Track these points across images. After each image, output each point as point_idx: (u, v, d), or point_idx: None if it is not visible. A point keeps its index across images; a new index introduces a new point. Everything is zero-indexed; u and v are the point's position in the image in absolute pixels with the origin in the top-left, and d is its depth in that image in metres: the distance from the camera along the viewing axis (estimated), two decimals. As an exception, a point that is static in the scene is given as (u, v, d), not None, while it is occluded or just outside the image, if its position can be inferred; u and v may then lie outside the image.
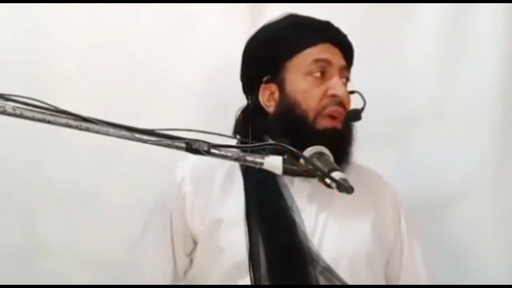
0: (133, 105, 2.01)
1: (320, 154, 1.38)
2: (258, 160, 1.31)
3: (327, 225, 1.55)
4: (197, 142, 1.25)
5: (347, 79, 1.63)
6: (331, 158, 1.39)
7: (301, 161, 1.32)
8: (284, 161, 1.30)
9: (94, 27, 2.05)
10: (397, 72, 2.11)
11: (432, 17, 2.14)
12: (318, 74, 1.57)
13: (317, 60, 1.57)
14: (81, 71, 2.03)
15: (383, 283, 1.63)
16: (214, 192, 1.57)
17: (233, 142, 1.56)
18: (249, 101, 1.65)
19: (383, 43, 2.11)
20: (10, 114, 1.15)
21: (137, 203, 1.98)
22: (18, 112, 1.15)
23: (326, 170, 1.32)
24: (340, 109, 1.56)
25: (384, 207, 1.66)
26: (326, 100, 1.55)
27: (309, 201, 1.56)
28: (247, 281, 1.48)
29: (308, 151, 1.38)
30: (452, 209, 2.09)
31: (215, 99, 2.05)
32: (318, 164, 1.34)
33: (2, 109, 1.14)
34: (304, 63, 1.57)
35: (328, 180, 1.31)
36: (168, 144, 1.24)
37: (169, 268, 1.60)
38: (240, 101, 1.86)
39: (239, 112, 1.69)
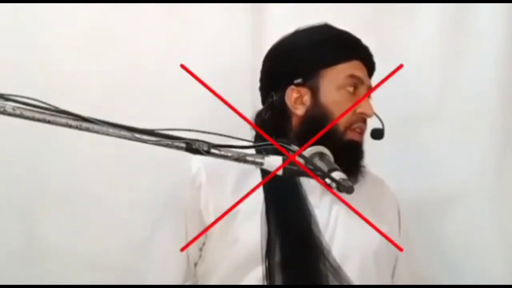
0: (133, 105, 2.01)
1: (320, 154, 1.39)
2: (258, 160, 1.31)
3: (338, 221, 1.61)
4: (197, 142, 1.26)
5: (369, 97, 1.70)
6: (331, 158, 1.40)
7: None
8: (284, 161, 1.31)
9: (94, 27, 2.05)
10: (396, 72, 2.11)
11: (432, 17, 2.14)
12: (351, 89, 1.65)
13: (352, 76, 1.65)
14: (81, 71, 2.03)
15: (389, 280, 1.68)
16: (230, 185, 1.60)
17: (233, 142, 1.56)
18: (271, 98, 1.69)
19: (383, 43, 2.10)
20: (10, 114, 1.15)
21: (137, 203, 1.99)
22: (18, 112, 1.15)
23: (326, 170, 1.33)
24: (364, 125, 1.67)
25: (387, 209, 1.73)
26: (354, 117, 1.64)
27: (321, 199, 1.61)
28: (258, 272, 1.52)
29: (308, 151, 1.38)
30: (452, 209, 2.09)
31: (216, 99, 2.05)
32: (318, 164, 1.34)
33: (2, 109, 1.14)
34: (340, 76, 1.65)
35: (328, 180, 1.31)
36: (168, 144, 1.24)
37: (183, 261, 1.61)
38: (241, 101, 1.86)
39: (257, 112, 1.73)
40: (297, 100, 1.66)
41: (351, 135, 1.64)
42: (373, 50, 1.71)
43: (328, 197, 1.61)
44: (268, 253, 1.52)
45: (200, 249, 1.62)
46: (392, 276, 1.71)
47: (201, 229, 1.59)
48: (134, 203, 1.99)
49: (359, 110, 1.64)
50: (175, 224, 1.62)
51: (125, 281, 1.73)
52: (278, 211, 1.56)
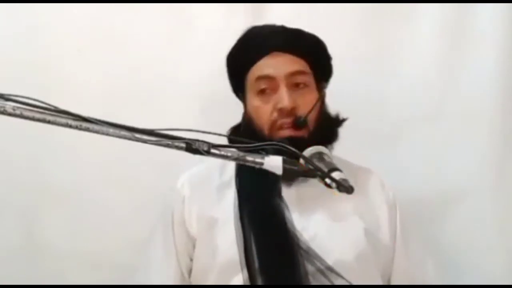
0: (133, 105, 2.01)
1: (320, 154, 1.38)
2: (258, 160, 1.31)
3: (318, 228, 1.56)
4: (197, 142, 1.26)
5: (302, 83, 1.62)
6: (331, 158, 1.39)
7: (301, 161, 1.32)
8: (284, 161, 1.30)
9: (94, 27, 2.05)
10: (396, 72, 2.11)
11: (432, 17, 2.14)
12: (264, 91, 1.61)
13: (258, 78, 1.62)
14: (81, 71, 2.03)
15: (378, 283, 1.63)
16: (210, 195, 1.63)
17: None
18: None
19: (383, 43, 2.11)
20: (10, 114, 1.15)
21: (137, 204, 1.99)
22: (18, 112, 1.15)
23: (326, 170, 1.32)
24: (289, 119, 1.58)
25: (379, 208, 1.67)
26: (275, 114, 1.59)
27: (298, 204, 1.59)
28: (239, 278, 1.51)
29: (308, 151, 1.38)
30: (452, 209, 2.09)
31: (215, 99, 2.05)
32: (318, 164, 1.34)
33: (2, 109, 1.15)
34: (251, 81, 1.63)
35: (328, 180, 1.31)
36: (168, 144, 1.25)
37: (175, 270, 1.62)
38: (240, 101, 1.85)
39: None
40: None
41: (280, 134, 1.57)
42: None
43: (305, 203, 1.58)
44: (248, 261, 1.51)
45: (191, 260, 1.62)
46: (390, 277, 1.67)
47: (187, 239, 1.61)
48: (134, 203, 1.99)
49: (277, 105, 1.58)
50: (164, 235, 1.64)
51: (125, 281, 1.73)
52: (252, 215, 1.55)
